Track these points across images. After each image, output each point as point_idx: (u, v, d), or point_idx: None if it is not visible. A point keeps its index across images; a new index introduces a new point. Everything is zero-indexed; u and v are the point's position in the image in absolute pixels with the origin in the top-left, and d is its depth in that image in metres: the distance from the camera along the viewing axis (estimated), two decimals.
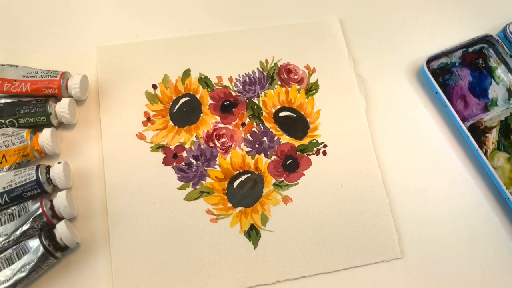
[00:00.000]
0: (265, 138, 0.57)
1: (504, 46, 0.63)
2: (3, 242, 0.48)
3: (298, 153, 0.57)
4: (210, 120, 0.58)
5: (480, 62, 0.64)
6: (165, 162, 0.55)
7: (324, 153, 0.57)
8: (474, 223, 0.56)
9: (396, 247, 0.53)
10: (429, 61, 0.61)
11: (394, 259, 0.53)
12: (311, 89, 0.61)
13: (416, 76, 0.63)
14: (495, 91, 0.63)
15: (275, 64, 0.61)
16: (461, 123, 0.58)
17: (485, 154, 0.59)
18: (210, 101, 0.59)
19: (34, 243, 0.47)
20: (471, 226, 0.56)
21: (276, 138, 0.58)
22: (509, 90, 0.63)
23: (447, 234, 0.55)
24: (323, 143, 0.58)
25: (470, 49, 0.64)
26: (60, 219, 0.50)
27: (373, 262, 0.53)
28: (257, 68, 0.61)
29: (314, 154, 0.57)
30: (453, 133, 0.60)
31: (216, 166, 0.55)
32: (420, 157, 0.59)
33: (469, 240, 0.55)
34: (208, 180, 0.55)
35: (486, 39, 0.64)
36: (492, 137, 0.61)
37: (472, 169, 0.59)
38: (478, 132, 0.61)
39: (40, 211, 0.49)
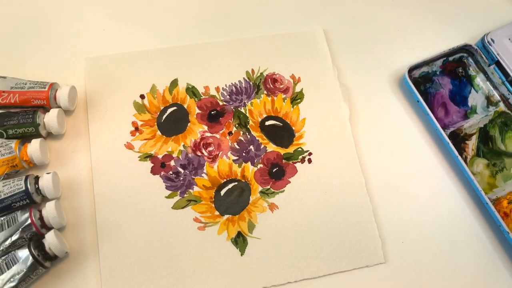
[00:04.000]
0: (251, 147, 0.59)
1: (483, 55, 0.65)
2: None
3: (284, 161, 0.58)
4: (197, 129, 0.59)
5: (460, 70, 0.66)
6: (153, 171, 0.56)
7: (309, 160, 0.59)
8: (455, 228, 0.58)
9: (379, 252, 0.55)
10: (411, 70, 0.63)
11: (378, 264, 0.55)
12: (296, 98, 0.62)
13: (399, 84, 0.65)
14: (475, 99, 0.65)
15: (261, 74, 0.63)
16: (441, 130, 0.59)
17: (465, 160, 0.61)
18: (198, 111, 0.60)
19: (23, 253, 0.48)
20: (452, 231, 0.57)
21: (262, 146, 0.59)
22: (488, 98, 0.65)
23: (429, 239, 0.57)
24: (308, 151, 0.59)
25: (450, 58, 0.66)
26: (49, 229, 0.50)
27: (358, 267, 0.54)
28: (244, 78, 0.62)
29: (299, 162, 0.59)
30: (434, 140, 0.62)
31: (203, 175, 0.56)
32: (403, 164, 0.60)
33: (450, 244, 0.57)
34: (196, 188, 0.56)
35: (465, 49, 0.66)
36: (472, 144, 0.63)
37: (453, 175, 0.60)
38: (458, 139, 0.63)
39: (29, 221, 0.49)
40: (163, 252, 0.52)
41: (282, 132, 0.60)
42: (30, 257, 0.47)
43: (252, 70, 0.63)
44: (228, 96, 0.61)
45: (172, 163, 0.57)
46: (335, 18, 0.68)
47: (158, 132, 0.58)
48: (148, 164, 0.56)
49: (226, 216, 0.55)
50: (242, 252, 0.53)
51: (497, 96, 0.65)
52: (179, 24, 0.65)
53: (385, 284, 0.54)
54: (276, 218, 0.55)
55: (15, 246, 0.49)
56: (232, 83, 0.62)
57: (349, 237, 0.55)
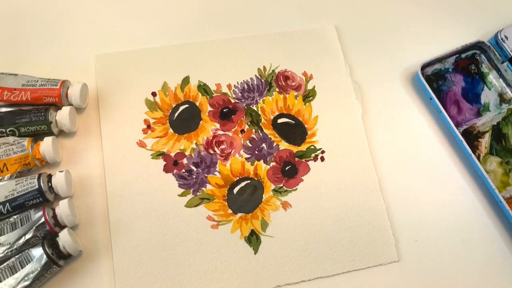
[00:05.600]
0: (264, 145, 0.58)
1: (496, 52, 0.64)
2: (6, 251, 0.48)
3: (296, 159, 0.58)
4: (209, 127, 0.58)
5: (473, 68, 0.66)
6: (166, 169, 0.56)
7: (322, 158, 0.58)
8: (468, 226, 0.57)
9: (393, 251, 0.55)
10: (424, 67, 0.63)
11: (392, 263, 0.54)
12: (308, 96, 0.62)
13: (411, 82, 0.64)
14: (487, 96, 0.65)
15: (273, 71, 0.62)
16: (454, 128, 0.59)
17: (478, 158, 0.61)
18: (210, 108, 0.59)
19: (37, 252, 0.48)
20: (465, 229, 0.57)
21: (274, 144, 0.58)
22: (501, 95, 0.65)
23: (443, 237, 0.56)
24: (321, 149, 0.59)
25: (463, 55, 0.66)
26: (62, 227, 0.50)
27: (371, 265, 0.54)
28: (255, 75, 0.62)
29: (312, 160, 0.58)
30: (447, 138, 0.62)
31: (216, 173, 0.56)
32: (415, 162, 0.60)
33: (463, 243, 0.56)
34: (209, 186, 0.55)
35: (478, 46, 0.65)
36: (485, 142, 0.62)
37: (466, 173, 0.60)
38: (471, 137, 0.62)
39: (42, 219, 0.49)
40: (176, 250, 0.52)
41: (294, 130, 0.60)
42: (44, 256, 0.47)
43: (264, 67, 0.62)
44: (240, 94, 0.60)
45: (185, 161, 0.56)
46: (347, 15, 0.68)
47: (170, 130, 0.58)
48: (161, 162, 0.56)
49: (239, 214, 0.55)
50: (256, 250, 0.53)
51: (510, 94, 0.65)
52: (190, 21, 0.65)
53: (398, 282, 0.54)
54: (289, 217, 0.55)
55: (29, 244, 0.49)
56: (244, 81, 0.61)
57: (363, 235, 0.55)
